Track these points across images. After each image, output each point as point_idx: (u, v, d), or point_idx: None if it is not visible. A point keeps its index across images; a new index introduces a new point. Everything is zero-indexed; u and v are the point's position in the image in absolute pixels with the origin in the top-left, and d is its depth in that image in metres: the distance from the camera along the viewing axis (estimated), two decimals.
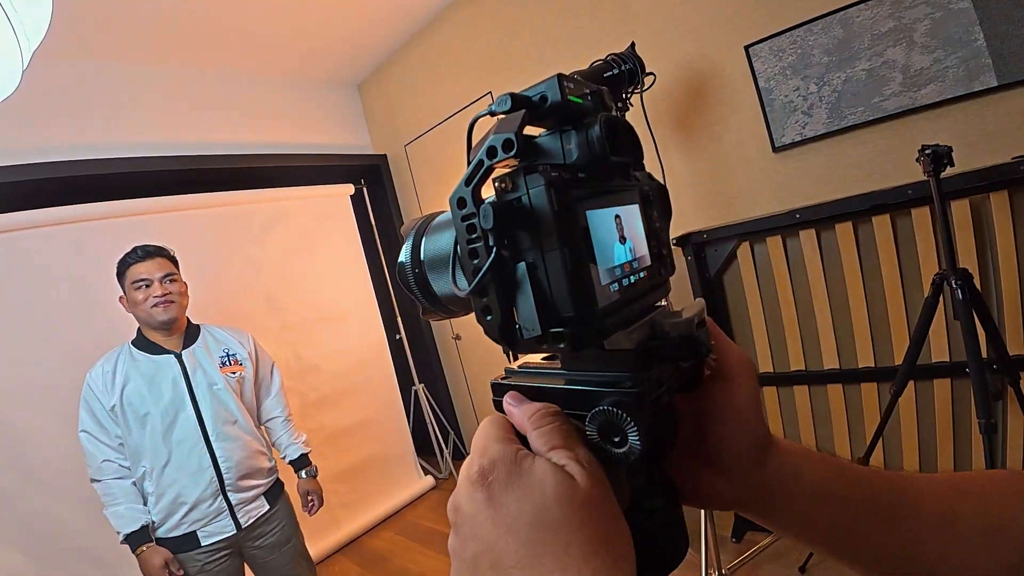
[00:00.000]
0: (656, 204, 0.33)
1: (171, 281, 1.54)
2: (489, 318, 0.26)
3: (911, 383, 1.65)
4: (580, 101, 0.27)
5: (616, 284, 0.27)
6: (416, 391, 3.39)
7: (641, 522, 0.29)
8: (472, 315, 0.29)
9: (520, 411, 0.28)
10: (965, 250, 1.64)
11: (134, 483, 1.49)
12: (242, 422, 1.64)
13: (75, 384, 1.53)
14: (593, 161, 0.26)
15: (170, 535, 1.48)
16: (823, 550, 0.34)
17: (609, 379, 0.27)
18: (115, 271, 1.54)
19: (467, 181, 0.25)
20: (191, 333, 1.63)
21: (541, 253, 0.24)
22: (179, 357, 1.56)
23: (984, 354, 1.35)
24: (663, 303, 0.32)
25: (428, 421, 3.38)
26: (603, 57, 1.68)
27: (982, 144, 1.66)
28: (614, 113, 0.27)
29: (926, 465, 1.83)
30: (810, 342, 1.98)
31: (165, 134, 2.67)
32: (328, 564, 2.72)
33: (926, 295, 1.48)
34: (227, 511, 1.55)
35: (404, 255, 0.33)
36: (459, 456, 3.71)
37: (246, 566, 1.69)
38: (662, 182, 0.36)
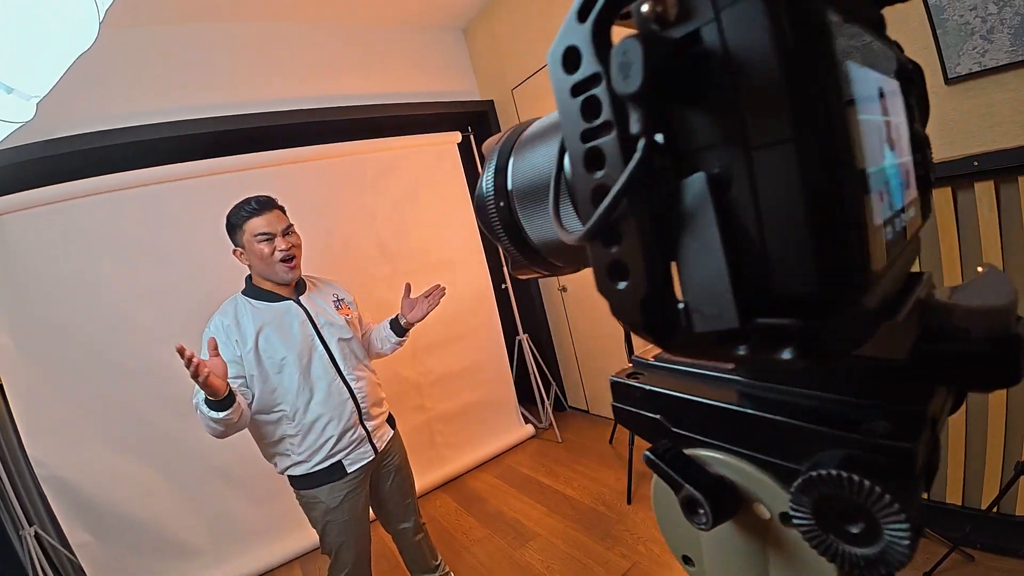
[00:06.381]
0: (915, 92, 0.18)
1: (291, 234, 1.57)
2: (622, 285, 0.14)
3: None
4: None
5: (890, 227, 0.13)
6: (520, 341, 3.39)
7: None
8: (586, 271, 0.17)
9: None
10: None
11: None
12: (361, 356, 1.72)
13: (206, 323, 1.58)
14: None
15: (317, 468, 1.55)
16: None
17: (846, 407, 0.15)
18: (226, 223, 1.56)
19: (581, 13, 0.13)
20: (300, 282, 1.67)
21: (746, 152, 0.11)
22: (298, 303, 1.61)
23: None
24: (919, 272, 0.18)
25: (531, 371, 3.38)
26: None
27: None
28: None
29: None
30: None
31: (283, 90, 2.79)
32: (430, 498, 2.88)
33: None
34: (366, 438, 1.64)
35: (484, 184, 0.22)
36: (560, 408, 3.69)
37: None
38: None
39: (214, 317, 1.54)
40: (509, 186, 0.21)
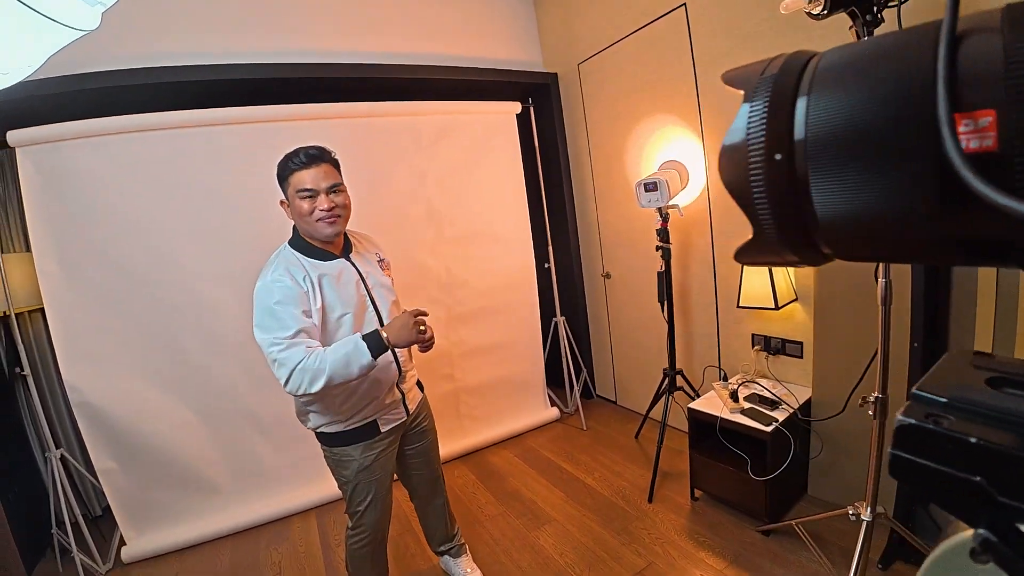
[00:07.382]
0: None
1: (336, 192, 1.44)
2: None
3: None
4: None
5: None
6: (556, 323, 3.33)
7: None
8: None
9: None
10: None
11: None
12: None
13: (252, 266, 1.54)
14: None
15: (354, 426, 1.54)
16: None
17: None
18: (276, 173, 1.46)
19: None
20: (346, 238, 1.61)
21: None
22: (350, 261, 1.56)
23: None
24: None
25: (563, 354, 3.32)
26: None
27: None
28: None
29: None
30: None
31: (347, 43, 2.73)
32: (449, 468, 2.87)
33: None
34: (401, 399, 1.64)
35: (745, 128, 0.16)
36: (588, 395, 3.64)
37: None
38: None
39: (268, 278, 1.39)
40: (799, 133, 0.14)
